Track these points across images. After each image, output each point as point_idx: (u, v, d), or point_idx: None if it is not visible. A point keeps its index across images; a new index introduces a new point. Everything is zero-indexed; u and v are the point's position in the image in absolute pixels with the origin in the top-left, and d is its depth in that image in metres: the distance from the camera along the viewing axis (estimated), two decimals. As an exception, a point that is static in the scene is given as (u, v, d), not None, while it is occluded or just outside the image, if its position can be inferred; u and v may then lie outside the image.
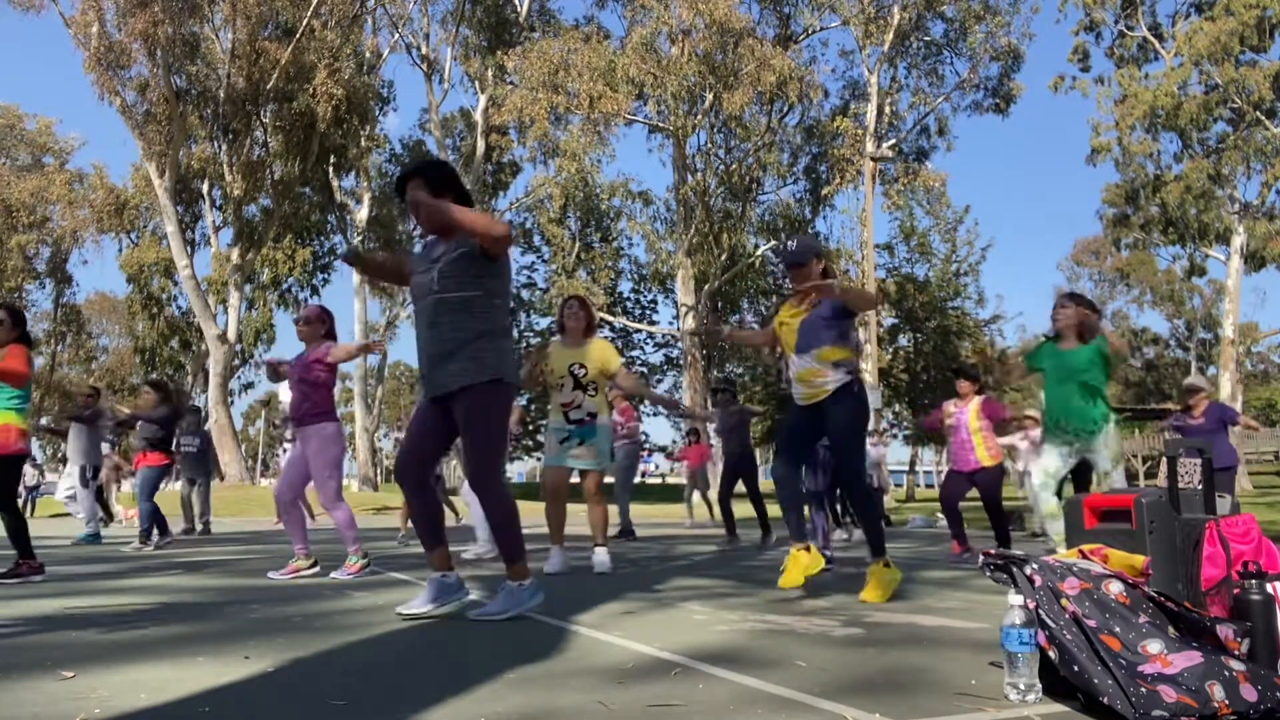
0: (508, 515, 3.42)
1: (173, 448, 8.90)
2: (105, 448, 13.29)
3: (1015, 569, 2.22)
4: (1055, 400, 5.10)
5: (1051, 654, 2.05)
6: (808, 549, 4.12)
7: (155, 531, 8.44)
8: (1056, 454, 5.11)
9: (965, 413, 6.68)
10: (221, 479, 25.28)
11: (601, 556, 5.43)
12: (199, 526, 11.02)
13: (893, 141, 27.06)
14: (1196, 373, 42.40)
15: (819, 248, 4.34)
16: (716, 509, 10.29)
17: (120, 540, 9.28)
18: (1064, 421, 5.03)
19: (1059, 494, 5.24)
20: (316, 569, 5.30)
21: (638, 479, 10.65)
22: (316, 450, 5.21)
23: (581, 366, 5.34)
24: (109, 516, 10.26)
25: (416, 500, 3.52)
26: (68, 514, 10.49)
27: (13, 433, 5.07)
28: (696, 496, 13.49)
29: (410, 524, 4.91)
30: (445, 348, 3.35)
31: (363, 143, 27.76)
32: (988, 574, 2.31)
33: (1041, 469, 5.16)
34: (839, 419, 4.04)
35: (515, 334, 34.37)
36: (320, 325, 5.35)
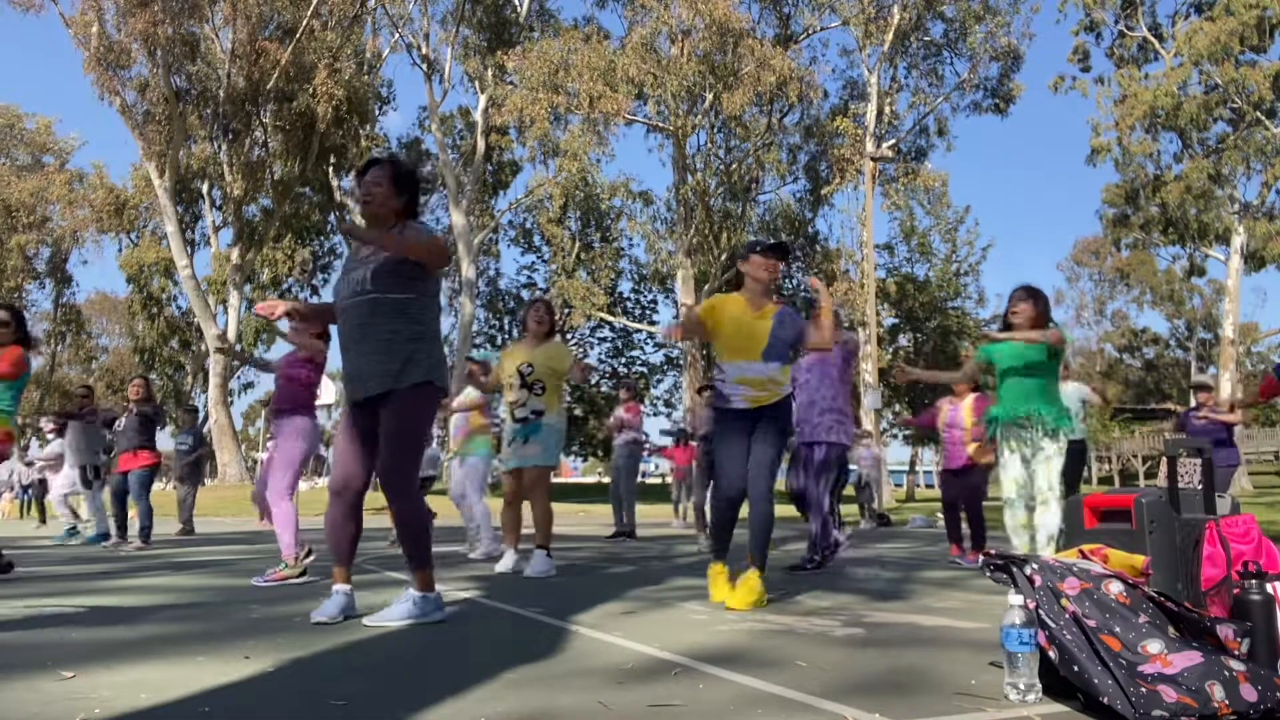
0: (421, 521, 3.36)
1: (157, 445, 8.86)
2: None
3: (1015, 569, 2.22)
4: (1013, 396, 4.78)
5: (1051, 654, 2.05)
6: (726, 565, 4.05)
7: (115, 532, 8.48)
8: (1019, 460, 4.77)
9: (959, 410, 6.68)
10: (214, 477, 25.28)
11: (540, 559, 5.21)
12: (180, 525, 11.01)
13: (892, 141, 27.05)
14: (1197, 372, 42.39)
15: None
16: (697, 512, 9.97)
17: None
18: (1022, 418, 4.72)
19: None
20: (304, 576, 5.00)
21: (637, 479, 10.63)
22: (282, 441, 5.15)
23: (529, 366, 5.41)
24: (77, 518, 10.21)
25: (348, 517, 3.39)
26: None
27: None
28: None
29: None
30: (379, 349, 3.29)
31: (363, 143, 27.75)
32: (988, 574, 2.31)
33: (1011, 480, 4.78)
34: (774, 430, 3.98)
35: (516, 334, 34.41)
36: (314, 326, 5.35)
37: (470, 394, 7.04)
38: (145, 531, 8.33)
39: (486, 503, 7.12)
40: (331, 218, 31.74)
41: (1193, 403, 8.51)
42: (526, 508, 5.59)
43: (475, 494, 6.97)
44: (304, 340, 5.23)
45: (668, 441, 12.22)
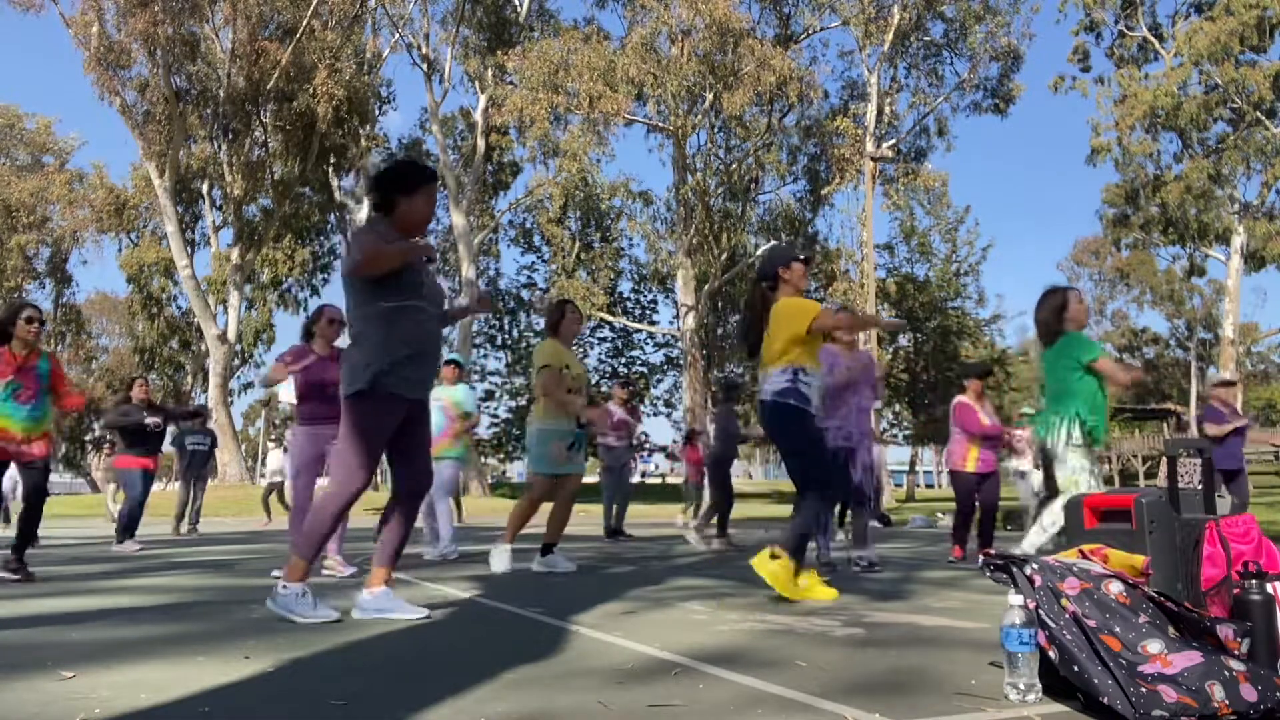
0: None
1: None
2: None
3: (1015, 569, 2.22)
4: (1099, 403, 4.33)
5: (1051, 654, 2.05)
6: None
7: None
8: (1090, 470, 4.27)
9: (989, 413, 6.64)
10: (214, 477, 25.26)
11: (564, 558, 5.53)
12: (187, 527, 11.03)
13: (892, 141, 27.05)
14: (1197, 372, 42.37)
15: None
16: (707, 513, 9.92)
17: (105, 539, 9.21)
18: (1101, 426, 4.32)
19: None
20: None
21: (636, 478, 10.63)
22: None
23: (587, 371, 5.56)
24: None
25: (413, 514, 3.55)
26: (72, 514, 10.52)
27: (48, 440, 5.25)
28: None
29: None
30: (436, 363, 3.63)
31: (363, 143, 27.76)
32: (988, 574, 2.31)
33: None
34: None
35: (516, 334, 34.48)
36: (344, 327, 5.35)
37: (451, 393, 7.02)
38: (133, 527, 8.40)
39: (450, 505, 7.01)
40: (331, 218, 31.74)
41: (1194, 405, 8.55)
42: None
43: (440, 497, 6.76)
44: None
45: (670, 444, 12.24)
